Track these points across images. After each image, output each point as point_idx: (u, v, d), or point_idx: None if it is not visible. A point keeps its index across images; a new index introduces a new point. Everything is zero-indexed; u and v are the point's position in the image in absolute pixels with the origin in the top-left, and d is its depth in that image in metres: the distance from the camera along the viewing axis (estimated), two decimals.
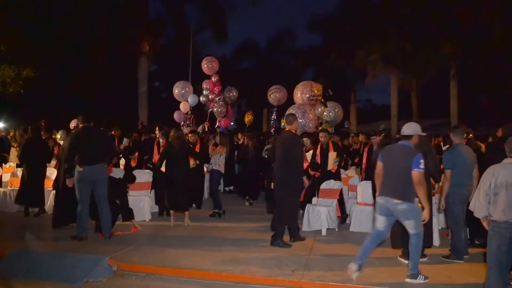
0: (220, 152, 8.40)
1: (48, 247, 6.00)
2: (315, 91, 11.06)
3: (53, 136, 9.26)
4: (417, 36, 20.14)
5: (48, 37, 18.23)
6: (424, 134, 5.11)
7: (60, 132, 9.56)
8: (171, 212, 7.60)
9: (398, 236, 5.60)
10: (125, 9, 20.93)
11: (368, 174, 7.49)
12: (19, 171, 8.49)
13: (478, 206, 3.88)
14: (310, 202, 7.43)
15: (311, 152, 8.05)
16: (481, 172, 4.72)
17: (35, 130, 8.34)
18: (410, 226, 4.69)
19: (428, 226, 5.44)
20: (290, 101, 12.90)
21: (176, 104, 15.04)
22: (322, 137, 8.09)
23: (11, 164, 9.90)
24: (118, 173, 7.94)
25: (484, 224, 3.96)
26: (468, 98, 22.29)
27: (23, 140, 8.44)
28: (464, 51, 19.55)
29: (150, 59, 23.66)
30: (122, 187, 7.10)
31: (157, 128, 9.28)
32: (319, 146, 7.98)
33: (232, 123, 16.74)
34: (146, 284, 4.87)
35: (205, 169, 9.62)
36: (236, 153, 11.10)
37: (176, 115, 14.90)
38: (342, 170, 9.55)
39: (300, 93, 11.27)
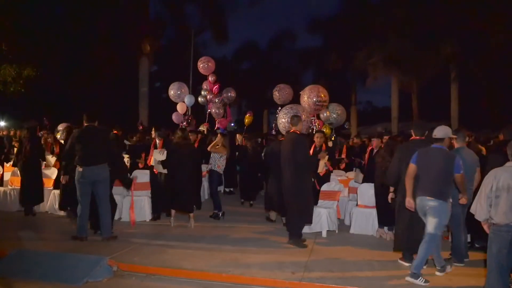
0: (220, 152, 8.38)
1: (48, 247, 5.99)
2: (322, 96, 11.01)
3: (55, 135, 9.24)
4: (417, 38, 20.12)
5: (49, 37, 18.25)
6: (454, 136, 5.42)
7: (60, 131, 9.57)
8: (172, 212, 7.59)
9: (401, 238, 5.59)
10: (126, 10, 20.97)
11: (368, 176, 7.47)
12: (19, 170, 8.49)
13: (479, 209, 3.89)
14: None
15: None
16: (482, 175, 4.73)
17: (31, 128, 8.35)
18: (432, 225, 4.84)
19: None
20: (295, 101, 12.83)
21: (176, 105, 15.08)
22: (317, 137, 8.08)
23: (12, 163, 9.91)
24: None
25: (485, 227, 3.96)
26: (469, 101, 22.27)
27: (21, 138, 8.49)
28: (465, 54, 19.56)
29: (151, 60, 23.68)
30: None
31: (153, 129, 9.25)
32: (312, 147, 7.96)
33: (232, 124, 16.78)
34: (146, 284, 4.86)
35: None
36: (236, 154, 11.09)
37: (174, 116, 14.93)
38: (342, 172, 9.56)
39: (307, 97, 11.16)
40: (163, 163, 7.58)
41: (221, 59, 28.15)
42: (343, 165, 10.17)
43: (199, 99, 15.31)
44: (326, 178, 7.90)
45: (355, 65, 23.77)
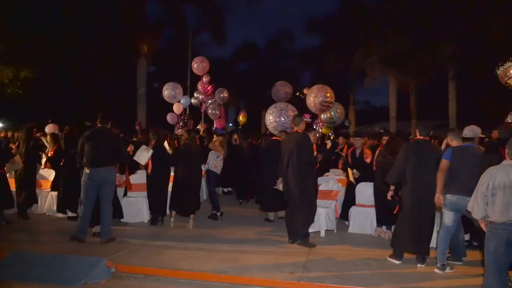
0: (218, 151, 8.37)
1: (45, 249, 5.98)
2: (329, 96, 10.93)
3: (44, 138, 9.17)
4: (415, 37, 20.15)
5: (47, 38, 18.24)
6: (483, 136, 5.72)
7: (49, 136, 9.41)
8: (173, 213, 7.59)
9: (401, 236, 5.59)
10: (124, 11, 20.95)
11: (365, 176, 7.49)
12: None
13: (476, 207, 3.89)
14: None
15: None
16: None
17: (28, 129, 8.32)
18: (452, 219, 5.18)
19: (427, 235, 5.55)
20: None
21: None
22: (313, 136, 8.06)
23: None
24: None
25: (482, 225, 3.97)
26: (467, 100, 22.31)
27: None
28: (463, 53, 19.58)
29: (149, 61, 23.70)
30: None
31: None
32: (314, 147, 7.92)
33: (231, 124, 16.78)
34: (145, 285, 4.85)
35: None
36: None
37: (169, 117, 14.91)
38: (340, 171, 9.53)
39: (314, 96, 10.97)
40: (141, 156, 7.55)
41: (219, 60, 28.16)
42: (340, 164, 10.14)
43: (192, 100, 15.32)
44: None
45: (353, 65, 23.80)
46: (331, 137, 12.45)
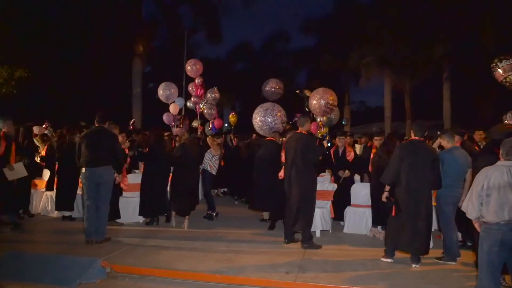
0: (214, 150, 8.36)
1: (40, 249, 5.96)
2: (332, 100, 10.92)
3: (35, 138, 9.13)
4: (410, 38, 20.24)
5: (41, 37, 18.13)
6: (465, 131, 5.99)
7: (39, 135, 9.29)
8: (173, 213, 7.59)
9: (393, 236, 5.62)
10: (119, 11, 20.88)
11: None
12: None
13: (471, 207, 3.91)
14: None
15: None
16: (473, 174, 4.77)
17: (26, 128, 8.28)
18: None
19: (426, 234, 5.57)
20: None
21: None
22: None
23: None
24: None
25: (476, 225, 3.99)
26: (461, 100, 22.41)
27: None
28: (458, 53, 19.68)
29: (144, 61, 23.61)
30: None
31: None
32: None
33: (226, 124, 16.77)
34: (140, 286, 4.85)
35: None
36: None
37: (165, 117, 14.88)
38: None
39: (319, 98, 10.88)
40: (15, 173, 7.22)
41: (215, 60, 28.10)
42: None
43: (188, 104, 15.32)
44: None
45: (349, 65, 23.85)
46: (327, 138, 12.46)
